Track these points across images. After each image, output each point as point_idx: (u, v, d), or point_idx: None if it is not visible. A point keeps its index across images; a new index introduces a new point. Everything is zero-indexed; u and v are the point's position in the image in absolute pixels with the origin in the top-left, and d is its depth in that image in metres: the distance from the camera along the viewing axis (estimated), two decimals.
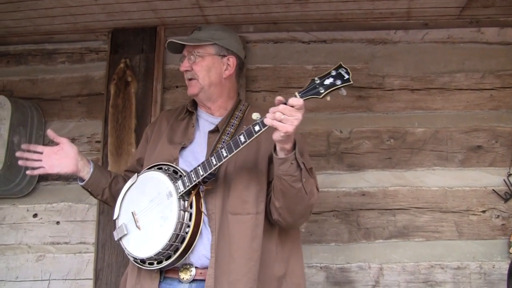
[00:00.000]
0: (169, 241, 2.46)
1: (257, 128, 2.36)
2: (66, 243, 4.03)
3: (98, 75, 4.22)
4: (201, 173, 2.50)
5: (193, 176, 2.52)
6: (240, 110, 2.85)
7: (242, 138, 2.40)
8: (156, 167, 2.69)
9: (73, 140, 4.10)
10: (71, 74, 4.28)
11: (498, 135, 3.87)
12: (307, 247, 3.83)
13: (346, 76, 2.30)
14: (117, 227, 2.70)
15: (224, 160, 2.46)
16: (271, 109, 2.28)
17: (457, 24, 3.97)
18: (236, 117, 2.80)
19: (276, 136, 2.30)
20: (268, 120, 2.28)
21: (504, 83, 3.93)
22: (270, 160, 2.60)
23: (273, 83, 4.06)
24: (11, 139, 3.87)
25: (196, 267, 2.58)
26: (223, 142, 2.66)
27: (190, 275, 2.56)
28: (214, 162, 2.48)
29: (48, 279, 3.99)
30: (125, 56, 4.03)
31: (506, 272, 3.52)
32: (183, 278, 2.57)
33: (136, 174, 2.73)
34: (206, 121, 2.85)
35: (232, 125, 2.75)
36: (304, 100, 2.29)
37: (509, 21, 3.93)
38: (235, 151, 2.43)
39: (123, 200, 2.72)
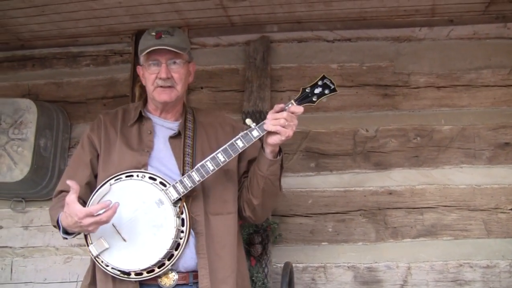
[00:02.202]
0: (169, 249, 2.44)
1: (255, 133, 2.51)
2: None
3: (122, 77, 4.24)
4: (197, 178, 2.51)
5: (187, 182, 2.51)
6: (189, 113, 2.84)
7: (239, 143, 2.52)
8: (126, 175, 2.58)
9: None
10: (96, 77, 4.31)
11: None
12: (334, 246, 3.85)
13: (332, 86, 2.57)
14: (92, 242, 2.53)
15: (222, 165, 2.52)
16: (272, 116, 2.47)
17: (483, 20, 3.94)
18: (189, 120, 2.80)
19: (275, 140, 2.47)
20: (270, 126, 2.46)
21: None
22: (238, 161, 2.74)
23: (298, 82, 4.03)
24: (37, 143, 3.89)
25: (178, 272, 2.54)
26: (188, 146, 2.68)
27: (173, 281, 2.52)
28: (211, 168, 2.52)
29: (76, 281, 4.01)
30: None
31: None
32: (164, 284, 2.52)
33: (108, 183, 2.56)
34: (162, 127, 2.79)
35: (189, 128, 2.76)
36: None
37: None
38: (233, 156, 2.52)
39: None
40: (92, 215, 2.36)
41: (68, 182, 2.43)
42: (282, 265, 3.62)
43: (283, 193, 3.77)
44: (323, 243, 3.87)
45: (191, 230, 2.56)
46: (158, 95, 2.71)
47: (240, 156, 2.71)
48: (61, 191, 2.76)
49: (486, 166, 3.83)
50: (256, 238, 3.69)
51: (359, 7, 3.80)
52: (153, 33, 2.72)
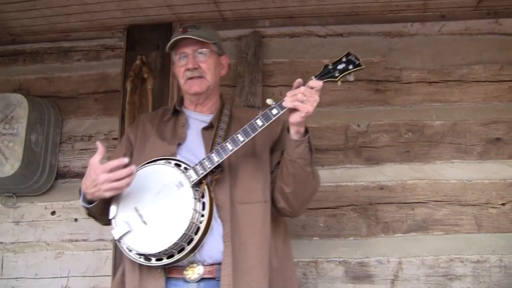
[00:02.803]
0: (186, 231, 2.40)
1: (274, 111, 2.47)
2: (84, 240, 4.04)
3: (114, 72, 4.22)
4: (216, 159, 2.51)
5: (206, 163, 2.51)
6: (227, 108, 2.89)
7: (259, 122, 2.48)
8: (153, 162, 2.61)
9: (90, 138, 4.18)
10: (87, 72, 4.29)
11: None
12: (325, 241, 3.84)
13: (357, 62, 2.52)
14: (115, 226, 2.54)
15: (241, 145, 2.50)
16: (290, 92, 2.43)
17: (475, 15, 3.94)
18: (225, 115, 2.84)
19: (296, 118, 2.40)
20: (288, 103, 2.40)
21: None
22: (271, 151, 2.72)
23: (290, 77, 4.00)
24: (28, 137, 3.88)
25: (204, 265, 2.52)
26: (219, 137, 2.69)
27: (198, 274, 2.50)
28: (230, 148, 2.51)
29: (67, 276, 4.00)
30: (141, 52, 4.02)
31: None
32: (189, 277, 2.50)
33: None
34: (196, 120, 2.84)
35: (224, 122, 2.79)
36: (323, 82, 2.46)
37: None
38: (252, 135, 2.49)
39: (120, 197, 2.56)
40: (107, 171, 2.37)
41: (97, 143, 2.46)
42: None
43: None
44: (314, 238, 3.86)
45: (217, 217, 2.54)
46: (189, 87, 2.79)
47: (274, 146, 2.70)
48: None
49: (477, 161, 3.84)
50: None
51: (351, 2, 3.80)
52: (180, 29, 2.81)
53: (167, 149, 2.71)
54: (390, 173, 3.89)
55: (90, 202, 2.58)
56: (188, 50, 2.79)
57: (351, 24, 4.06)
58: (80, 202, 2.67)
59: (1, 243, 4.14)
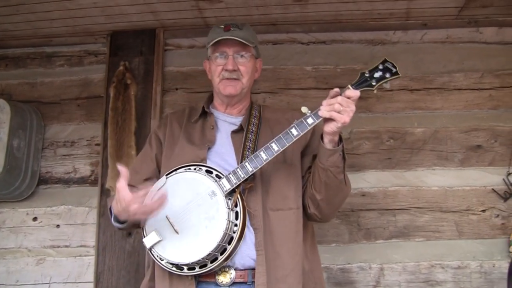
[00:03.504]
0: (220, 242, 2.38)
1: (310, 120, 2.44)
2: (66, 246, 4.01)
3: (97, 78, 4.20)
4: (250, 168, 2.48)
5: (240, 172, 2.48)
6: (256, 109, 2.85)
7: (294, 131, 2.45)
8: (184, 168, 2.58)
9: (72, 143, 4.16)
10: (70, 77, 4.27)
11: (498, 135, 3.88)
12: None
13: (394, 70, 2.51)
14: (146, 235, 2.53)
15: (275, 154, 2.47)
16: (326, 102, 2.38)
17: (456, 24, 3.98)
18: (255, 116, 2.79)
19: (331, 127, 2.38)
20: (324, 112, 2.37)
21: (503, 82, 3.94)
22: (302, 156, 2.68)
23: (273, 84, 4.05)
24: (10, 143, 3.86)
25: (236, 269, 2.50)
26: (250, 140, 2.65)
27: (230, 278, 2.48)
28: (264, 157, 2.48)
29: (48, 283, 3.97)
30: (125, 58, 4.03)
31: (507, 271, 3.53)
32: (221, 282, 2.49)
33: (164, 176, 2.59)
34: (225, 122, 2.81)
35: (254, 124, 2.75)
36: (360, 91, 2.42)
37: (507, 20, 3.95)
38: (287, 144, 2.46)
39: None
40: (137, 202, 2.37)
41: (118, 167, 2.40)
42: None
43: None
44: None
45: (249, 225, 2.52)
46: (223, 87, 2.74)
47: (305, 151, 2.67)
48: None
49: (458, 168, 3.87)
50: None
51: (334, 9, 3.81)
52: (222, 26, 2.77)
53: (197, 153, 2.67)
54: (372, 180, 3.91)
55: (123, 221, 2.59)
56: (229, 50, 2.74)
57: (334, 32, 4.08)
58: (112, 222, 2.67)
59: None
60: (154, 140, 2.89)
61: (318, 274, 2.74)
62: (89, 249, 3.97)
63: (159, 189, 2.54)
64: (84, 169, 4.10)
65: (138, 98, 3.98)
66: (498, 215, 3.79)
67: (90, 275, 3.90)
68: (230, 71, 2.72)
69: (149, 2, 3.68)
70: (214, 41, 2.72)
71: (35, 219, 4.07)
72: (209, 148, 2.70)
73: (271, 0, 3.70)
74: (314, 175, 2.56)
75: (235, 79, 2.74)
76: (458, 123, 3.92)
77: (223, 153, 2.69)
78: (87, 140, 4.14)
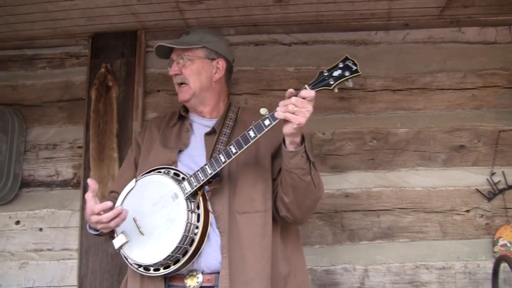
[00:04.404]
0: (179, 243, 2.40)
1: (267, 122, 2.40)
2: (49, 249, 3.99)
3: (79, 80, 4.18)
4: (209, 171, 2.48)
5: (200, 175, 2.49)
6: (233, 111, 2.86)
7: (251, 133, 2.42)
8: (154, 171, 2.62)
9: (54, 146, 4.13)
10: (51, 80, 4.24)
11: (481, 134, 3.87)
12: None
13: (354, 67, 2.44)
14: (116, 236, 2.57)
15: (233, 157, 2.46)
16: (282, 103, 2.35)
17: (438, 24, 3.97)
18: (230, 118, 2.80)
19: (288, 129, 2.34)
20: (279, 114, 2.33)
21: (486, 82, 3.93)
22: (273, 157, 2.67)
23: (255, 85, 4.04)
24: None
25: (203, 273, 2.52)
26: (221, 143, 2.66)
27: (197, 282, 2.50)
28: (223, 160, 2.47)
29: (31, 287, 3.94)
30: (106, 60, 4.00)
31: (491, 271, 3.50)
32: (189, 286, 2.51)
33: (134, 179, 2.63)
34: (200, 125, 2.83)
35: (228, 126, 2.75)
36: (316, 91, 2.38)
37: (489, 20, 3.94)
38: (245, 147, 2.44)
39: (122, 207, 2.57)
40: (95, 214, 2.43)
41: (88, 180, 2.49)
42: None
43: None
44: None
45: (215, 228, 2.53)
46: (178, 95, 2.81)
47: (276, 153, 2.64)
48: (111, 192, 2.88)
49: (442, 169, 3.86)
50: None
51: (315, 10, 3.79)
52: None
53: (169, 156, 2.70)
54: (355, 181, 3.90)
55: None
56: (174, 56, 2.82)
57: (316, 32, 4.06)
58: (88, 230, 2.69)
59: None
60: (134, 145, 2.95)
61: (302, 278, 2.74)
62: (72, 253, 3.94)
63: (128, 192, 2.60)
64: (66, 172, 4.08)
65: (120, 100, 3.95)
66: (482, 215, 3.78)
67: (73, 279, 3.87)
68: (174, 76, 2.79)
69: (129, 4, 3.66)
70: (156, 53, 2.89)
71: (17, 222, 4.05)
72: (182, 151, 2.72)
73: (252, 1, 3.68)
74: (281, 177, 2.54)
75: (183, 84, 2.78)
76: (441, 123, 3.91)
77: (195, 155, 2.70)
78: (69, 143, 4.11)
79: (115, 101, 3.94)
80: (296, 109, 2.30)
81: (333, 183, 3.89)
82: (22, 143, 4.12)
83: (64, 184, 4.06)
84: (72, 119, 4.14)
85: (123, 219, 2.46)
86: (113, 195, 2.79)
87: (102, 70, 3.97)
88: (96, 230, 2.61)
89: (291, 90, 2.37)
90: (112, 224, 2.44)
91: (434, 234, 3.78)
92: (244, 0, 3.67)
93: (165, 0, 3.66)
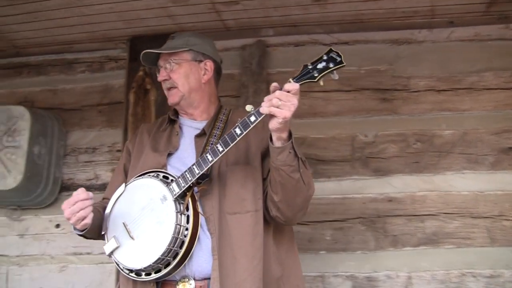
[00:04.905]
0: (168, 246, 2.36)
1: (252, 118, 2.34)
2: (88, 253, 4.02)
3: (118, 84, 4.21)
4: (197, 171, 2.44)
5: (188, 176, 2.45)
6: (224, 113, 2.81)
7: (237, 130, 2.37)
8: (144, 175, 2.60)
9: (94, 150, 4.17)
10: (91, 83, 4.29)
11: None
12: (332, 255, 3.76)
13: (338, 59, 2.36)
14: (107, 242, 2.57)
15: (220, 155, 2.42)
16: (266, 97, 2.29)
17: (484, 21, 3.84)
18: (221, 120, 2.76)
19: (274, 124, 2.28)
20: (264, 109, 2.28)
21: None
22: (263, 157, 2.60)
23: None
24: (31, 150, 3.89)
25: (195, 280, 2.46)
26: (211, 144, 2.61)
27: None
28: (210, 159, 2.43)
29: None
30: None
31: None
32: None
33: (123, 184, 2.63)
34: (190, 127, 2.79)
35: (218, 128, 2.71)
36: (300, 84, 2.33)
37: None
38: (231, 144, 2.39)
39: (111, 212, 2.61)
40: (69, 206, 2.49)
41: (78, 190, 2.54)
42: None
43: None
44: (320, 252, 3.78)
45: (206, 230, 2.49)
46: (168, 98, 2.80)
47: (266, 151, 2.56)
48: (103, 198, 2.88)
49: (489, 172, 3.72)
50: None
51: (354, 9, 3.72)
52: None
53: (158, 160, 2.68)
54: (399, 185, 3.79)
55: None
56: (161, 62, 2.82)
57: (357, 32, 3.98)
58: (73, 231, 2.68)
59: (6, 256, 4.16)
60: (125, 152, 2.94)
61: (296, 282, 2.68)
62: None
63: (118, 197, 2.61)
64: (105, 175, 4.11)
65: (158, 103, 3.94)
66: None
67: (111, 283, 3.87)
68: (163, 82, 2.78)
69: (164, 6, 3.66)
70: (143, 59, 2.86)
71: (57, 226, 4.10)
72: (171, 154, 2.70)
73: (290, 0, 3.62)
74: (270, 176, 2.49)
75: (171, 88, 2.77)
76: (489, 125, 3.76)
77: (184, 157, 2.67)
78: (108, 146, 4.15)
79: (153, 104, 3.94)
80: (280, 103, 2.25)
81: (375, 187, 3.81)
82: (62, 147, 4.18)
83: (103, 187, 4.03)
84: (111, 123, 4.18)
85: (83, 199, 2.47)
86: (105, 202, 2.77)
87: (140, 73, 3.98)
88: (80, 231, 2.59)
89: (275, 84, 2.32)
90: (76, 208, 2.46)
91: (481, 241, 3.64)
92: (282, 0, 3.61)
93: (201, 2, 3.64)
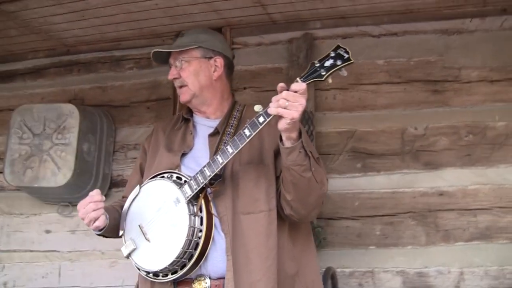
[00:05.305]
0: (182, 248, 2.38)
1: (261, 119, 2.32)
2: None
3: (165, 80, 4.11)
4: (208, 173, 2.43)
5: (199, 178, 2.45)
6: (237, 110, 2.79)
7: (246, 131, 2.36)
8: (158, 176, 2.61)
9: None
10: (139, 80, 4.32)
11: None
12: (382, 250, 3.73)
13: (346, 56, 2.31)
14: (124, 243, 2.60)
15: (230, 157, 2.41)
16: (274, 98, 2.27)
17: None
18: (234, 118, 2.74)
19: (282, 124, 2.26)
20: (272, 109, 2.26)
21: None
22: (276, 155, 2.58)
23: (343, 80, 3.80)
24: (80, 147, 3.94)
25: (211, 278, 2.49)
26: (225, 143, 2.58)
27: (205, 287, 2.48)
28: (220, 161, 2.42)
29: (121, 285, 4.05)
30: None
31: None
32: None
33: (138, 185, 2.65)
34: (204, 126, 2.78)
35: (231, 126, 2.70)
36: (307, 84, 2.30)
37: None
38: (241, 146, 2.38)
39: (127, 214, 2.62)
40: (83, 207, 2.50)
41: (93, 192, 2.54)
42: None
43: (329, 195, 3.64)
44: (370, 247, 3.74)
45: (220, 231, 2.50)
46: (179, 97, 2.81)
47: (278, 150, 2.52)
48: (123, 197, 2.90)
49: None
50: None
51: None
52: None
53: (172, 161, 2.68)
54: (450, 178, 3.71)
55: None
56: (171, 60, 2.81)
57: (406, 23, 3.88)
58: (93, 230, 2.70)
59: (59, 251, 4.25)
60: (142, 151, 2.97)
61: (312, 278, 2.67)
62: None
63: (133, 199, 2.63)
64: None
65: None
66: None
67: None
68: (174, 80, 2.78)
69: (210, 1, 3.63)
70: (153, 58, 2.85)
71: None
72: (185, 154, 2.70)
73: None
74: (282, 175, 2.47)
75: (182, 86, 2.75)
76: None
77: (198, 157, 2.66)
78: None
79: None
80: (288, 104, 2.22)
81: (426, 181, 3.74)
82: (111, 143, 4.23)
83: None
84: (159, 119, 4.17)
85: (96, 201, 2.49)
86: (124, 200, 2.79)
87: None
88: (99, 230, 2.62)
89: (282, 84, 2.29)
90: (89, 209, 2.47)
91: None
92: None
93: None
